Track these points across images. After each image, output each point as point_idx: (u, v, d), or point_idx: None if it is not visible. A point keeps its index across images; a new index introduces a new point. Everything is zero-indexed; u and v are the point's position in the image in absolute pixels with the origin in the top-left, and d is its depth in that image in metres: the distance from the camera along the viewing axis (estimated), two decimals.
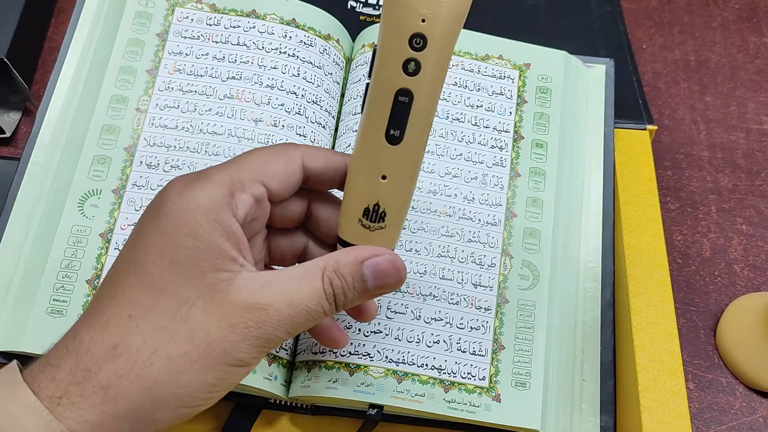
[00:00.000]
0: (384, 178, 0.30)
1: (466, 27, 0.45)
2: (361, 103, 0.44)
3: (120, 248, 0.38)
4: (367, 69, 0.45)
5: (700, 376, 0.43)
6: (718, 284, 0.46)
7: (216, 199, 0.28)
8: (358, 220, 0.31)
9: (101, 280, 0.37)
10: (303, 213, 0.33)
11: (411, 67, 0.28)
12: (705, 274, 0.47)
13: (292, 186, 0.31)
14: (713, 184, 0.51)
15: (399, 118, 0.29)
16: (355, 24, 0.58)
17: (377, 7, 0.60)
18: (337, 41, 0.47)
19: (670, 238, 0.49)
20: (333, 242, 0.33)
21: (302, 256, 0.35)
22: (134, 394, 0.26)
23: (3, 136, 0.54)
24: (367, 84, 0.30)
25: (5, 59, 0.53)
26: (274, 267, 0.35)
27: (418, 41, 0.27)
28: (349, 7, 0.60)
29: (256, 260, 0.32)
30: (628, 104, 0.50)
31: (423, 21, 0.27)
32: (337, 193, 0.33)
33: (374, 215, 0.30)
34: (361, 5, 0.60)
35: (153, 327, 0.27)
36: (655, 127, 0.48)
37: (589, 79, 0.47)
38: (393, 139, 0.29)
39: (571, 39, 0.57)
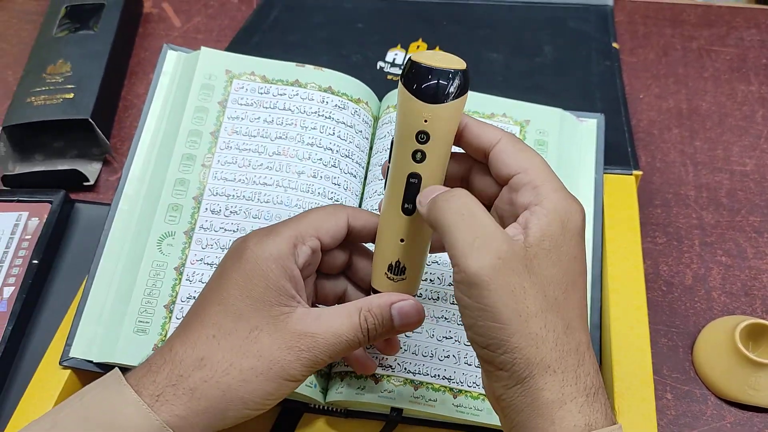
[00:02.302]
0: (402, 241, 0.38)
1: (478, 89, 0.53)
2: (387, 155, 0.52)
3: (191, 279, 0.47)
4: (391, 127, 0.54)
5: (677, 387, 0.49)
6: (698, 309, 0.53)
7: (283, 250, 0.37)
8: (384, 274, 0.39)
9: (176, 305, 0.46)
10: (345, 262, 0.42)
11: (418, 157, 0.36)
12: (686, 300, 0.54)
13: (339, 239, 0.40)
14: (698, 220, 0.58)
15: (411, 194, 0.37)
16: (383, 82, 0.67)
17: (402, 67, 0.69)
18: (366, 103, 0.55)
19: (656, 268, 0.56)
20: (367, 287, 0.42)
21: (342, 298, 0.43)
22: (213, 396, 0.35)
23: (87, 183, 0.64)
24: (389, 159, 0.38)
25: (90, 119, 0.63)
26: (318, 305, 0.43)
27: (423, 136, 0.35)
28: (378, 67, 0.69)
29: (307, 298, 0.40)
30: (619, 151, 0.57)
31: (425, 121, 0.35)
32: (372, 247, 0.41)
33: (397, 269, 0.39)
34: (389, 66, 0.69)
35: (231, 345, 0.35)
36: (641, 173, 0.55)
37: (582, 133, 0.54)
38: (407, 211, 0.37)
39: (572, 92, 0.65)
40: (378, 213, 0.41)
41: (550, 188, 0.34)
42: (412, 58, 0.35)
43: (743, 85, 0.68)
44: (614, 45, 0.70)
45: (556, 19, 0.74)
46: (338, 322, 0.37)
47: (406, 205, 0.37)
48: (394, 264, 0.39)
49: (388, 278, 0.39)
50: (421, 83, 0.34)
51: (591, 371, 0.33)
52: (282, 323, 0.36)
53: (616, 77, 0.66)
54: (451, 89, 0.35)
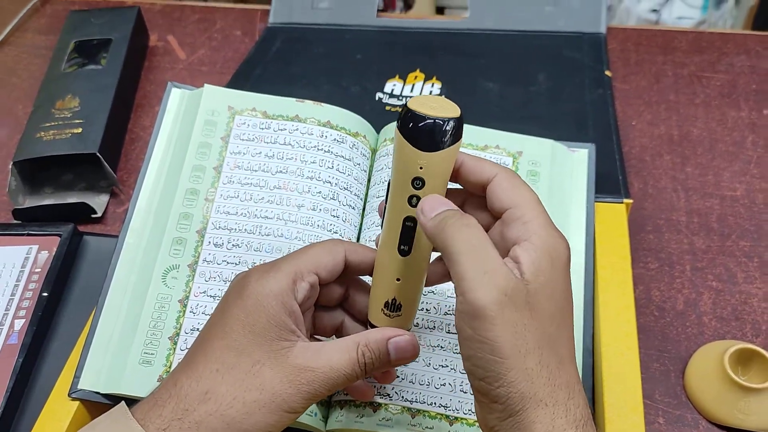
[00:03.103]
0: (398, 280, 0.40)
1: (474, 119, 0.55)
2: (384, 188, 0.54)
3: (194, 311, 0.49)
4: (389, 160, 0.55)
5: (669, 412, 0.51)
6: (689, 333, 0.54)
7: (283, 286, 0.38)
8: (381, 310, 0.41)
9: (180, 337, 0.48)
10: (342, 295, 0.43)
11: (414, 201, 0.37)
12: (678, 325, 0.55)
13: (336, 274, 0.41)
14: (689, 245, 0.60)
15: (407, 237, 0.39)
16: (381, 113, 0.69)
17: (400, 98, 0.71)
18: (364, 137, 0.57)
19: (649, 293, 0.57)
20: (363, 319, 0.43)
21: (339, 329, 0.44)
22: (218, 429, 0.36)
23: (95, 215, 0.66)
24: (385, 199, 0.39)
25: (98, 153, 0.65)
26: (316, 336, 0.45)
27: (418, 183, 0.37)
28: (376, 98, 0.71)
29: (306, 331, 0.42)
30: (610, 180, 0.59)
31: (421, 168, 0.36)
32: (368, 279, 0.43)
33: (393, 306, 0.40)
34: (387, 96, 0.71)
35: (234, 379, 0.36)
36: (631, 201, 0.57)
37: (573, 163, 0.56)
38: (403, 252, 0.39)
39: (566, 121, 0.67)
40: (374, 248, 0.42)
41: (538, 224, 0.36)
42: (408, 105, 0.36)
43: (733, 111, 0.70)
44: (607, 73, 0.72)
45: (550, 47, 0.76)
46: (336, 356, 0.38)
47: (402, 247, 0.39)
48: (390, 301, 0.40)
49: (385, 314, 0.41)
50: (417, 131, 0.36)
51: (580, 403, 0.34)
52: (283, 357, 0.37)
53: (608, 105, 0.68)
54: (446, 137, 0.36)
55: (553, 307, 0.34)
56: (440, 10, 1.71)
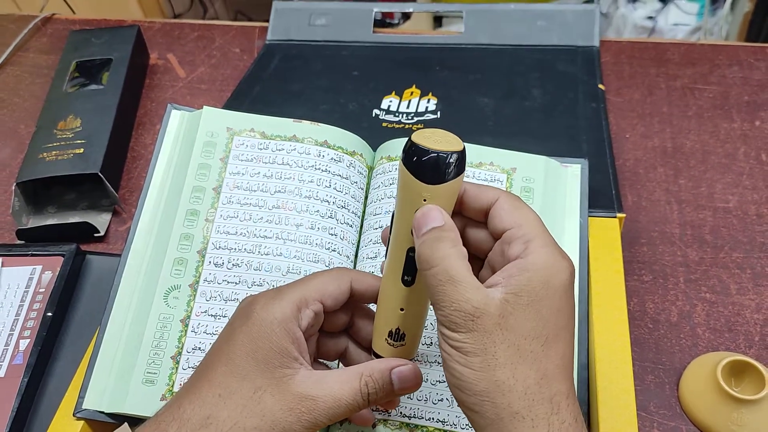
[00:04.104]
0: (402, 309, 0.40)
1: (470, 134, 0.56)
2: (381, 205, 0.55)
3: (195, 330, 0.50)
4: (385, 177, 0.56)
5: (664, 424, 0.51)
6: (683, 345, 0.55)
7: (287, 313, 0.39)
8: (385, 340, 0.41)
9: (182, 356, 0.49)
10: (347, 321, 0.44)
11: None
12: (672, 337, 0.56)
13: (342, 302, 0.42)
14: (682, 257, 0.60)
15: (410, 267, 0.39)
16: (378, 130, 0.70)
17: (396, 114, 0.72)
18: (361, 155, 0.58)
19: (643, 306, 0.58)
20: (368, 346, 0.44)
21: (343, 355, 0.45)
22: None
23: (98, 234, 0.67)
24: (389, 229, 0.40)
25: (99, 173, 0.66)
26: (320, 360, 0.45)
27: None
28: (373, 114, 0.72)
29: (310, 356, 0.42)
30: (603, 194, 0.59)
31: (425, 200, 0.37)
32: (373, 307, 0.43)
33: (396, 336, 0.41)
34: (384, 113, 0.72)
35: (235, 405, 0.37)
36: (624, 215, 0.58)
37: (566, 178, 0.57)
38: (407, 282, 0.40)
39: (560, 136, 0.67)
40: (380, 275, 0.43)
41: (539, 244, 0.36)
42: (412, 138, 0.37)
43: (726, 123, 0.71)
44: (600, 86, 0.73)
45: (544, 61, 0.77)
46: (338, 387, 0.39)
47: (405, 277, 0.40)
48: (394, 331, 0.41)
49: (389, 344, 0.41)
50: (421, 165, 0.36)
51: (567, 419, 0.35)
52: (285, 385, 0.38)
53: (602, 119, 0.69)
54: (449, 170, 0.37)
55: (539, 325, 0.35)
56: (438, 20, 1.73)
